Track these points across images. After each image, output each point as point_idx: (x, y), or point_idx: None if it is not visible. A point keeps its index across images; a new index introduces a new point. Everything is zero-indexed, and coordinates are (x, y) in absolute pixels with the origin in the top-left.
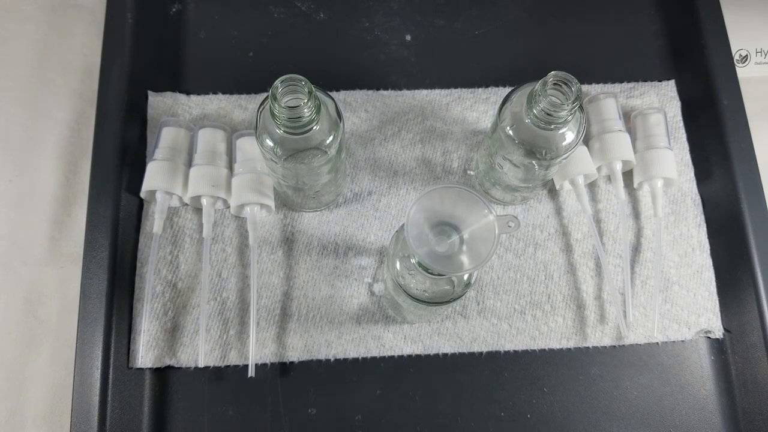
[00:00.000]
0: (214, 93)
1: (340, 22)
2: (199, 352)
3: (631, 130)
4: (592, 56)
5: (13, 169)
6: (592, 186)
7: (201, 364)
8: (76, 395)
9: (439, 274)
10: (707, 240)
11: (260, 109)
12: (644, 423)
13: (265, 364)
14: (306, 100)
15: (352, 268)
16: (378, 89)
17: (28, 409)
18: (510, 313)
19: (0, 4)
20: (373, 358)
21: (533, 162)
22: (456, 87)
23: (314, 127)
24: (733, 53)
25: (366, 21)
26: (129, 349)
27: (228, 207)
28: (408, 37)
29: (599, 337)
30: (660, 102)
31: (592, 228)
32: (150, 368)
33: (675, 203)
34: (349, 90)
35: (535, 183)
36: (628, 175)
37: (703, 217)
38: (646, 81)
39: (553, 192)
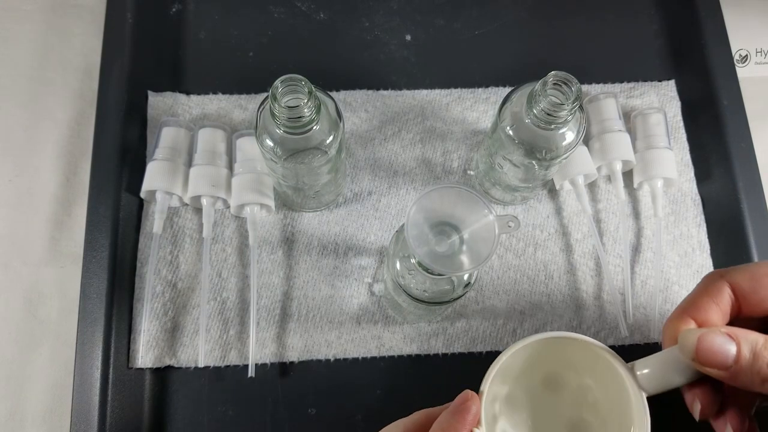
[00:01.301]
0: (214, 93)
1: (340, 22)
2: (199, 352)
3: (631, 130)
4: (592, 56)
5: (13, 169)
6: (592, 186)
7: (201, 364)
8: (76, 395)
9: (439, 274)
10: (707, 240)
11: (260, 109)
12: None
13: (265, 364)
14: (306, 100)
15: (352, 268)
16: (378, 89)
17: (28, 409)
18: (510, 313)
19: (0, 4)
20: (373, 358)
21: (533, 162)
22: (456, 87)
23: (314, 127)
24: (733, 53)
25: (366, 21)
26: (129, 349)
27: (228, 207)
28: (408, 37)
29: (599, 337)
30: (660, 102)
31: (592, 228)
32: (150, 368)
33: (675, 203)
34: (349, 90)
35: (535, 183)
36: (628, 175)
37: (703, 217)
38: (646, 81)
39: (553, 192)
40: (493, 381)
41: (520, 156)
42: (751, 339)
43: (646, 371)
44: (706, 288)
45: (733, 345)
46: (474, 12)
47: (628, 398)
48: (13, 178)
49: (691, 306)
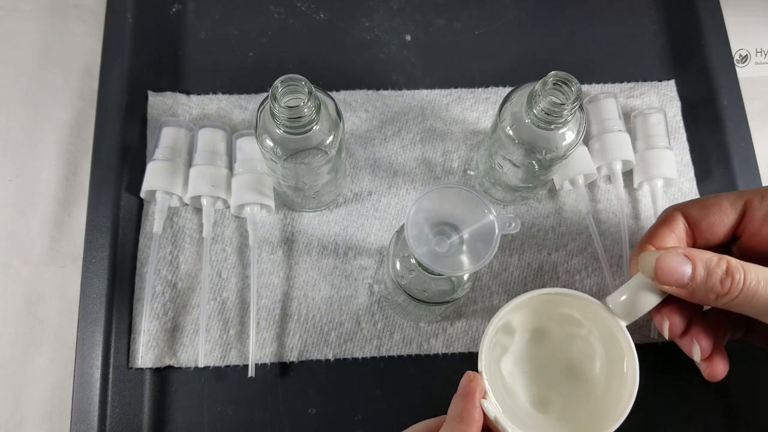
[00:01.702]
0: (214, 93)
1: (340, 22)
2: (199, 352)
3: (631, 130)
4: (592, 56)
5: (13, 169)
6: (592, 186)
7: (201, 364)
8: (76, 395)
9: (439, 274)
10: None
11: (260, 109)
12: (643, 422)
13: (265, 364)
14: (306, 100)
15: (352, 268)
16: (378, 89)
17: (28, 409)
18: None
19: (0, 4)
20: (373, 358)
21: (533, 162)
22: (456, 87)
23: (314, 127)
24: (733, 53)
25: (366, 21)
26: (129, 349)
27: (228, 207)
28: (408, 37)
29: None
30: (660, 102)
31: (592, 228)
32: (150, 368)
33: (675, 203)
34: (349, 90)
35: (535, 183)
36: (628, 175)
37: None
38: (646, 81)
39: (553, 192)
40: (487, 354)
41: (520, 156)
42: (705, 258)
43: (618, 300)
44: (663, 219)
45: (688, 264)
46: (474, 12)
47: (611, 333)
48: (13, 178)
49: (650, 236)
